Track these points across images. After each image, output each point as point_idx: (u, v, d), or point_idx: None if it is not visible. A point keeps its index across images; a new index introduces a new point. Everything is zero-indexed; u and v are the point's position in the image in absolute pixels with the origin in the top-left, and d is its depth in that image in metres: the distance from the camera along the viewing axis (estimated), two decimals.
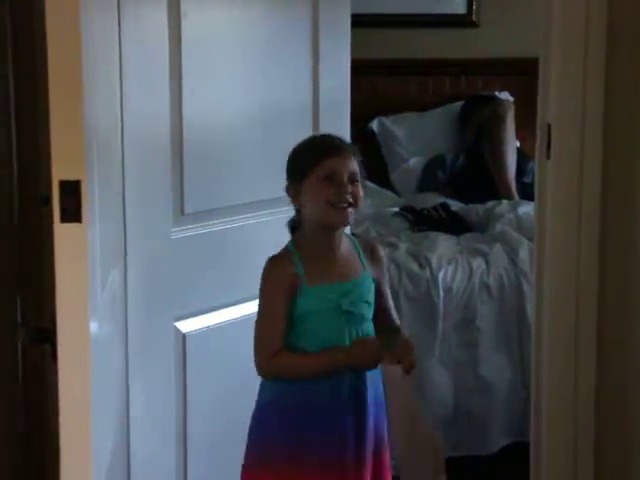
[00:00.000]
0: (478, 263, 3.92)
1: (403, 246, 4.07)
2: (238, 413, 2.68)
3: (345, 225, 2.45)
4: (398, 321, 2.55)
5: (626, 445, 2.70)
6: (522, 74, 5.09)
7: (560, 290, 2.68)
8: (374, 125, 5.18)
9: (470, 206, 4.62)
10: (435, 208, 4.54)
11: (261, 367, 2.40)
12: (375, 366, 2.40)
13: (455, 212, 4.55)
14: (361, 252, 2.49)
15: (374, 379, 2.46)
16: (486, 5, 5.40)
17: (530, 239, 3.85)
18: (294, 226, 2.49)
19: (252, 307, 2.53)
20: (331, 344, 2.39)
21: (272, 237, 2.52)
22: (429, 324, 3.81)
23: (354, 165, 2.39)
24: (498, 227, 4.25)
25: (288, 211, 2.53)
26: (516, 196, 4.88)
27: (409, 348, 2.40)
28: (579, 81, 2.59)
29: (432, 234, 4.25)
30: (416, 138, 5.16)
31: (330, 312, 2.40)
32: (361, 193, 2.40)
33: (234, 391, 2.77)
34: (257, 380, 2.46)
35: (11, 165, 2.22)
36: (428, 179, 5.02)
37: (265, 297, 2.42)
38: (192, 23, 2.63)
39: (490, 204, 4.57)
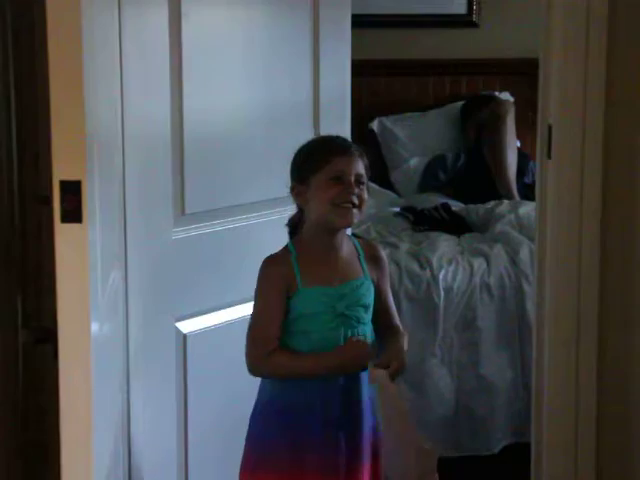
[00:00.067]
0: (479, 263, 3.92)
1: (404, 246, 4.07)
2: (238, 413, 2.68)
3: (347, 226, 2.44)
4: (400, 325, 2.55)
5: (627, 445, 2.70)
6: (522, 74, 5.10)
7: (561, 290, 2.68)
8: (374, 125, 5.18)
9: (471, 206, 4.63)
10: (436, 208, 4.55)
11: (254, 366, 2.40)
12: (363, 368, 2.38)
13: (456, 212, 4.55)
14: (362, 254, 2.49)
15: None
16: (486, 5, 5.41)
17: (531, 239, 3.86)
18: (294, 225, 2.49)
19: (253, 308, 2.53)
20: (325, 346, 2.38)
21: (273, 237, 2.52)
22: (430, 324, 3.81)
23: (361, 167, 2.40)
24: (499, 227, 4.25)
25: (289, 211, 2.53)
26: (517, 196, 4.88)
27: (399, 355, 2.40)
28: (580, 81, 2.58)
29: (433, 234, 4.25)
30: (416, 138, 5.16)
31: (325, 314, 2.40)
32: (366, 196, 2.39)
33: (234, 391, 2.76)
34: (257, 380, 2.46)
35: (12, 165, 2.22)
36: (428, 179, 5.02)
37: (260, 297, 2.42)
38: (192, 23, 2.63)
39: (491, 204, 4.57)
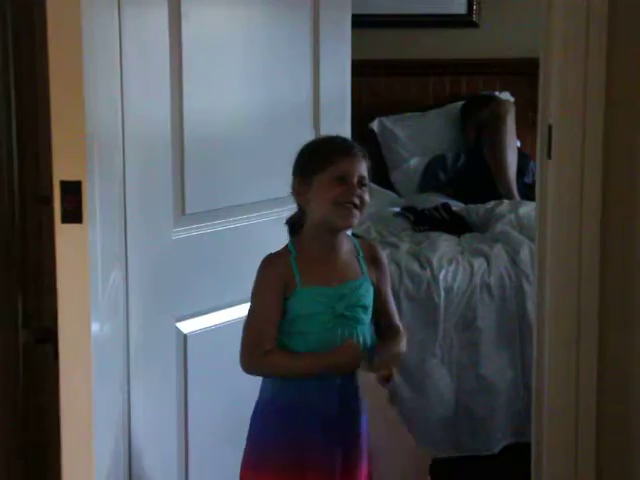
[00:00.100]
0: (479, 263, 3.92)
1: (404, 246, 4.07)
2: (239, 413, 2.68)
3: (348, 227, 2.44)
4: (400, 325, 2.55)
5: (627, 445, 2.70)
6: (522, 74, 5.10)
7: (561, 290, 2.68)
8: (374, 125, 5.18)
9: (471, 206, 4.63)
10: (436, 208, 4.55)
11: (249, 364, 2.40)
12: (352, 369, 2.37)
13: (456, 212, 4.55)
14: (361, 255, 2.49)
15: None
16: (486, 5, 5.41)
17: (531, 239, 3.86)
18: (293, 224, 2.49)
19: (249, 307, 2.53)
20: (324, 347, 2.38)
21: (273, 237, 2.52)
22: (430, 324, 3.81)
23: (364, 169, 2.40)
24: (499, 227, 4.25)
25: (289, 211, 2.53)
26: (517, 196, 4.88)
27: (390, 361, 2.39)
28: (580, 81, 2.58)
29: (433, 234, 4.25)
30: (417, 138, 5.16)
31: (323, 315, 2.40)
32: (367, 198, 2.40)
33: (235, 391, 2.76)
34: (258, 380, 2.46)
35: (12, 165, 2.22)
36: (429, 179, 5.02)
37: (257, 297, 2.42)
38: (192, 23, 2.63)
39: (491, 204, 4.57)
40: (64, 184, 1.81)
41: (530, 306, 3.78)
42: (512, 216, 4.33)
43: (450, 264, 3.90)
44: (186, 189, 2.68)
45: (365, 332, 2.46)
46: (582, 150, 2.61)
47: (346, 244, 2.48)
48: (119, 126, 2.50)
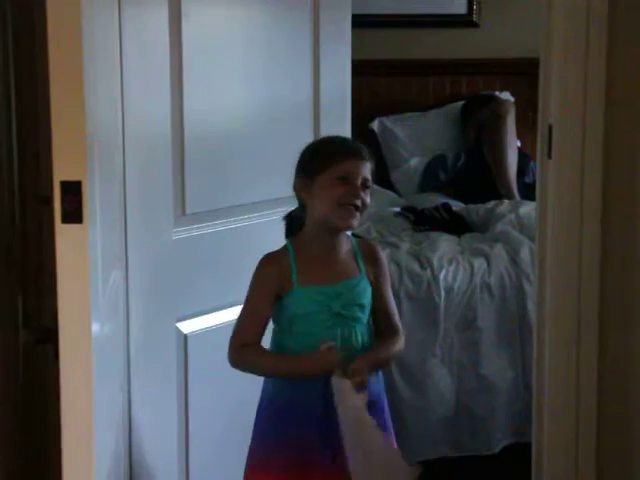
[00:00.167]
0: (479, 263, 3.92)
1: (404, 246, 4.07)
2: (239, 413, 2.68)
3: (348, 229, 2.44)
4: (399, 326, 2.53)
5: (628, 445, 2.70)
6: (522, 74, 5.10)
7: (562, 290, 2.68)
8: (375, 125, 5.18)
9: (471, 206, 4.62)
10: (436, 208, 4.55)
11: (229, 355, 2.43)
12: (326, 375, 2.35)
13: (456, 212, 4.55)
14: (359, 254, 2.49)
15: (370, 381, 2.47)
16: (486, 5, 5.41)
17: (531, 239, 3.85)
18: (292, 220, 2.49)
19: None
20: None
21: (273, 237, 2.52)
22: (430, 324, 3.81)
23: (368, 172, 2.41)
24: (499, 227, 4.24)
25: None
26: (517, 196, 4.88)
27: (363, 367, 2.35)
28: (580, 81, 2.58)
29: (433, 234, 4.25)
30: (417, 138, 5.16)
31: (321, 314, 2.40)
32: (369, 200, 2.40)
33: (235, 391, 2.76)
34: (258, 380, 2.46)
35: (12, 165, 2.22)
36: (429, 179, 5.02)
37: (251, 292, 2.44)
38: (193, 23, 2.63)
39: (491, 204, 4.57)
40: (64, 184, 1.81)
41: (530, 306, 3.77)
42: (512, 216, 4.33)
43: (450, 264, 3.90)
44: (186, 189, 2.68)
45: (364, 331, 2.46)
46: (582, 150, 2.61)
47: (345, 244, 2.48)
48: (119, 126, 2.50)
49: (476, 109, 5.12)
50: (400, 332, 2.51)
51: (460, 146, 5.13)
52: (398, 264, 3.87)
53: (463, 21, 5.42)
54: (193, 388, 2.76)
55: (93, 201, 1.89)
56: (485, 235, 4.26)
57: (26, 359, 2.25)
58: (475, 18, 5.41)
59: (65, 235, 1.82)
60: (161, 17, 2.57)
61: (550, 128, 2.64)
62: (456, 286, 3.84)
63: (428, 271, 3.85)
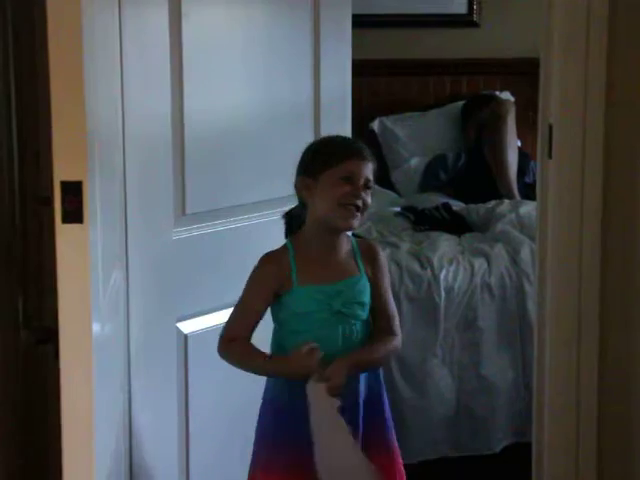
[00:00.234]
0: (480, 263, 3.92)
1: (404, 246, 4.07)
2: (240, 413, 2.68)
3: (349, 229, 2.44)
4: (395, 328, 2.50)
5: (628, 445, 2.70)
6: (523, 74, 5.10)
7: (562, 290, 2.68)
8: (375, 125, 5.18)
9: (471, 206, 4.62)
10: (436, 208, 4.54)
11: (218, 346, 2.45)
12: (302, 378, 2.34)
13: (456, 212, 4.55)
14: (358, 254, 2.49)
15: (368, 380, 2.47)
16: (487, 5, 5.41)
17: (532, 239, 3.86)
18: (291, 219, 2.49)
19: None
20: (323, 346, 2.37)
21: (274, 237, 2.52)
22: (431, 324, 3.81)
23: (370, 172, 2.41)
24: (499, 227, 4.24)
25: None
26: (517, 196, 4.88)
27: (340, 370, 2.34)
28: (580, 81, 2.58)
29: (433, 234, 4.25)
30: (417, 138, 5.16)
31: (321, 312, 2.40)
32: (370, 201, 2.40)
33: (235, 391, 2.77)
34: (258, 380, 2.46)
35: (13, 165, 2.22)
36: (429, 179, 5.02)
37: (248, 289, 2.44)
38: (193, 23, 2.63)
39: (491, 204, 4.57)
40: (65, 184, 1.80)
41: (531, 306, 3.77)
42: (513, 216, 4.33)
43: (451, 264, 3.90)
44: (187, 189, 2.68)
45: (364, 329, 2.45)
46: (583, 150, 2.61)
47: (345, 244, 2.48)
48: (119, 126, 2.50)
49: (476, 109, 5.12)
50: (394, 334, 2.49)
51: (460, 146, 5.13)
52: (398, 264, 3.87)
53: (463, 21, 5.42)
54: (193, 388, 2.76)
55: (94, 201, 1.89)
56: (485, 235, 4.26)
57: (26, 359, 2.25)
58: (475, 18, 5.41)
59: (65, 235, 1.82)
60: (161, 17, 2.57)
61: (550, 128, 2.64)
62: (456, 286, 3.84)
63: (428, 271, 3.85)
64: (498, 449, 3.87)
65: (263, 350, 2.43)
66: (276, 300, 2.43)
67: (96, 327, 1.91)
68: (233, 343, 2.42)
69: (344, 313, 2.41)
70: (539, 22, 2.73)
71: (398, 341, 2.50)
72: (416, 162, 5.08)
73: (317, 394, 2.31)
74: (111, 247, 2.33)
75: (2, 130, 2.18)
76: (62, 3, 1.78)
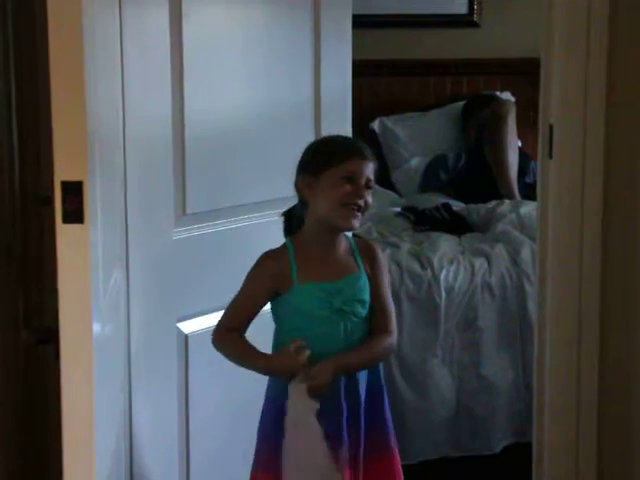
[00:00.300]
0: (480, 263, 3.92)
1: (405, 246, 4.07)
2: (240, 413, 2.68)
3: (349, 229, 2.44)
4: (391, 328, 2.49)
5: (629, 445, 2.70)
6: (523, 74, 5.10)
7: (562, 290, 2.68)
8: (375, 125, 5.18)
9: (472, 206, 4.62)
10: (437, 208, 4.54)
11: (212, 338, 2.45)
12: (287, 377, 2.35)
13: (457, 212, 4.55)
14: (357, 252, 2.49)
15: (369, 380, 2.46)
16: (487, 5, 5.41)
17: (532, 239, 3.86)
18: (290, 217, 2.49)
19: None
20: (324, 344, 2.38)
21: (274, 237, 2.52)
22: (431, 324, 3.81)
23: (372, 172, 2.41)
24: (500, 227, 4.24)
25: None
26: (518, 196, 4.88)
27: (325, 370, 2.33)
28: (580, 81, 2.58)
29: (434, 234, 4.25)
30: (417, 138, 5.16)
31: (322, 310, 2.40)
32: (370, 200, 2.40)
33: (236, 392, 2.76)
34: (259, 380, 2.46)
35: (13, 165, 2.22)
36: (430, 179, 5.02)
37: (247, 284, 2.45)
38: (193, 23, 2.63)
39: (492, 204, 4.57)
40: (65, 185, 1.80)
41: (531, 306, 3.77)
42: (513, 216, 4.33)
43: (451, 264, 3.89)
44: (187, 189, 2.68)
45: (365, 327, 2.45)
46: (583, 150, 2.61)
47: (344, 242, 2.48)
48: (120, 126, 2.50)
49: (477, 109, 5.12)
50: (389, 334, 2.47)
51: (461, 146, 5.13)
52: (399, 264, 3.87)
53: (464, 21, 5.42)
54: (194, 388, 2.76)
55: (94, 201, 1.89)
56: (486, 235, 4.26)
57: (27, 359, 2.25)
58: (476, 18, 5.41)
59: (66, 235, 1.82)
60: (162, 17, 2.57)
61: (551, 128, 2.64)
62: (457, 286, 3.84)
63: (429, 271, 3.85)
64: (498, 449, 3.86)
65: (263, 351, 2.43)
66: (276, 299, 2.43)
67: (96, 327, 1.90)
68: (228, 336, 2.43)
69: (345, 311, 2.41)
70: (539, 22, 2.73)
71: (393, 339, 2.49)
72: (416, 162, 5.08)
73: (298, 394, 2.31)
74: (111, 247, 2.33)
75: (2, 130, 2.18)
76: (62, 3, 1.78)
